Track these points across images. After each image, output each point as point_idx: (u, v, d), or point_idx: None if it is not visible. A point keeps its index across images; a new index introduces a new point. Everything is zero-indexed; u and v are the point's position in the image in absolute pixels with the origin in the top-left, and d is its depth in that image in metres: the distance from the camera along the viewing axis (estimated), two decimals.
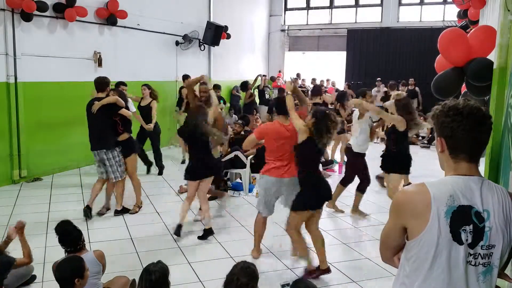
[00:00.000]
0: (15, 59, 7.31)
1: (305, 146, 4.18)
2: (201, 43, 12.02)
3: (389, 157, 5.53)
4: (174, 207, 6.30)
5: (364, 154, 6.08)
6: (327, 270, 4.35)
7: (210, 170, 5.30)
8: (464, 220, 1.60)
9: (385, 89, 12.90)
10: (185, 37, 11.41)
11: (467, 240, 1.60)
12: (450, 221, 1.60)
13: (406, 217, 1.67)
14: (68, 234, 3.44)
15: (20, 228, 3.77)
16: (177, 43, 11.30)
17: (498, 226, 1.62)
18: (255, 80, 13.56)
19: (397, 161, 5.46)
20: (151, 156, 8.32)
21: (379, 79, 13.63)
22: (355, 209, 6.14)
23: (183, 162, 9.01)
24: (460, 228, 1.60)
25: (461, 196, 1.62)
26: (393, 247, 1.80)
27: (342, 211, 6.24)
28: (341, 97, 9.04)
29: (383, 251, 1.88)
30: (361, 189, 6.11)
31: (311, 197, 4.23)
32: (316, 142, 4.12)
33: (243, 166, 7.12)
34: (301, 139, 4.20)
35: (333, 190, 4.99)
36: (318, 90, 9.19)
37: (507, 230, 1.64)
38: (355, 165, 6.11)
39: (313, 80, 16.04)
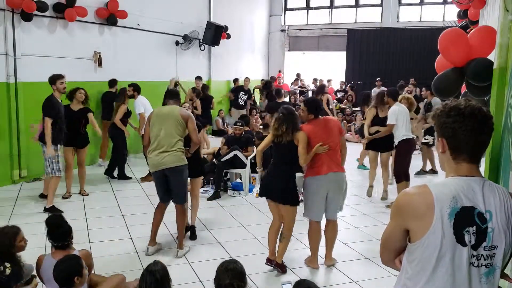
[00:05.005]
0: (15, 59, 7.32)
1: None
2: (201, 43, 12.02)
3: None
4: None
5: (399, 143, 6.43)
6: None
7: None
8: (467, 221, 1.60)
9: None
10: (185, 37, 11.41)
11: (470, 241, 1.60)
12: (454, 223, 1.59)
13: (408, 219, 1.65)
14: (58, 227, 3.36)
15: None
16: (177, 43, 11.29)
17: (500, 226, 1.62)
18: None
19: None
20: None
21: (379, 79, 13.63)
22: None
23: None
24: (463, 229, 1.59)
25: (464, 197, 1.61)
26: (394, 249, 1.78)
27: None
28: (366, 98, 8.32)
29: (383, 253, 1.85)
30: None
31: None
32: None
33: (243, 166, 7.13)
34: None
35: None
36: (321, 88, 9.14)
37: (509, 231, 1.63)
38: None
39: (314, 80, 16.02)
